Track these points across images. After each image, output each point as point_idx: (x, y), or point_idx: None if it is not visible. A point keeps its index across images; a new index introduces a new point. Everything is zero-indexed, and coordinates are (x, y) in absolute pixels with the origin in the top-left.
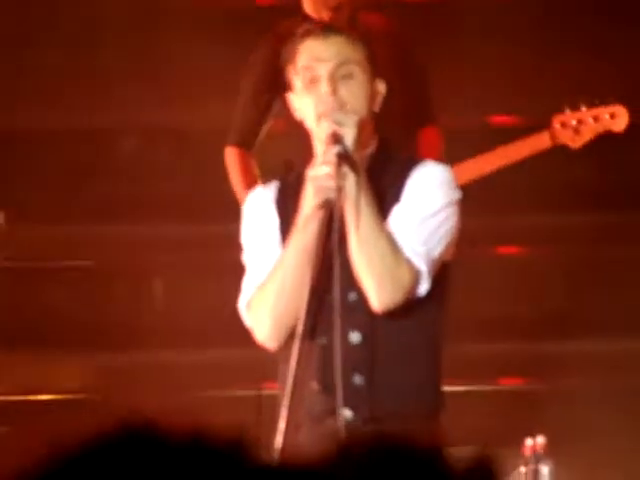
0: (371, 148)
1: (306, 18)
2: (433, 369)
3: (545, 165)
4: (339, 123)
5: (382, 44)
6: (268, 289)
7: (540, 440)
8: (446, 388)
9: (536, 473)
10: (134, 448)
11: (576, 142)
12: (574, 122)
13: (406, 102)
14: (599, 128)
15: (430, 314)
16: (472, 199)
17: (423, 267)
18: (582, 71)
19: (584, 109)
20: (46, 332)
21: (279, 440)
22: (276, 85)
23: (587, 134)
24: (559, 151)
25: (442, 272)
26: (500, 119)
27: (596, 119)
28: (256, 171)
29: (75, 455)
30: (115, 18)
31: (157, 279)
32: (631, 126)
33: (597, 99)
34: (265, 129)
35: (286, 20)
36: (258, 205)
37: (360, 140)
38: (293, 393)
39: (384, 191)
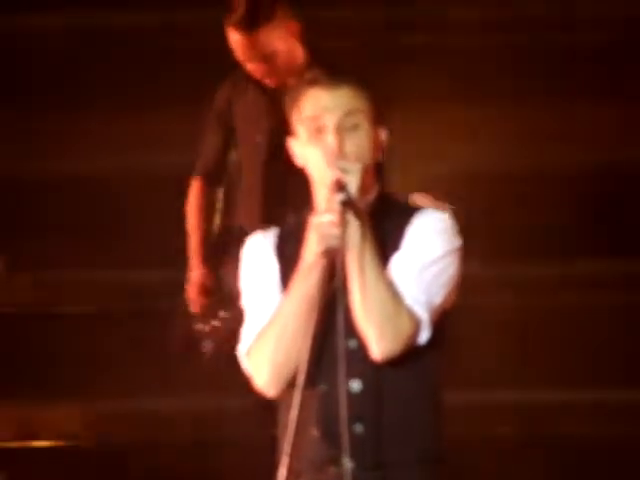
0: (372, 195)
1: None
2: (434, 417)
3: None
4: (344, 171)
5: None
6: (268, 336)
7: None
8: None
9: None
10: None
11: None
12: None
13: None
14: None
15: (430, 362)
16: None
17: (424, 315)
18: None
19: None
20: (45, 378)
21: None
22: (231, 119)
23: None
24: None
25: (442, 320)
26: None
27: None
28: (212, 210)
29: None
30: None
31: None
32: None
33: None
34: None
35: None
36: (257, 251)
37: (363, 187)
38: (294, 440)
39: (385, 238)
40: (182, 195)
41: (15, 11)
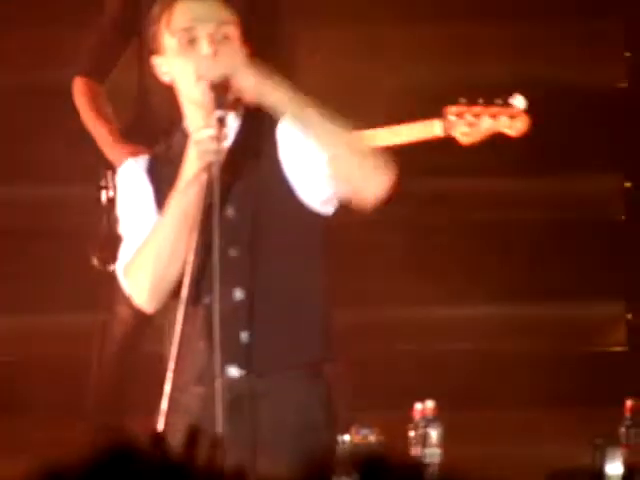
0: (241, 109)
1: None
2: (321, 320)
3: None
4: (218, 82)
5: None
6: (147, 253)
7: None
8: None
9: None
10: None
11: (467, 137)
12: (470, 116)
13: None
14: (495, 127)
15: (314, 264)
16: None
17: None
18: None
19: (482, 105)
20: None
21: (164, 403)
22: (135, 23)
23: (481, 132)
24: None
25: (326, 223)
26: None
27: (494, 117)
28: (107, 102)
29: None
30: None
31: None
32: None
33: (501, 98)
34: (118, 65)
35: None
36: (130, 176)
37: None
38: (179, 355)
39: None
40: None
41: None
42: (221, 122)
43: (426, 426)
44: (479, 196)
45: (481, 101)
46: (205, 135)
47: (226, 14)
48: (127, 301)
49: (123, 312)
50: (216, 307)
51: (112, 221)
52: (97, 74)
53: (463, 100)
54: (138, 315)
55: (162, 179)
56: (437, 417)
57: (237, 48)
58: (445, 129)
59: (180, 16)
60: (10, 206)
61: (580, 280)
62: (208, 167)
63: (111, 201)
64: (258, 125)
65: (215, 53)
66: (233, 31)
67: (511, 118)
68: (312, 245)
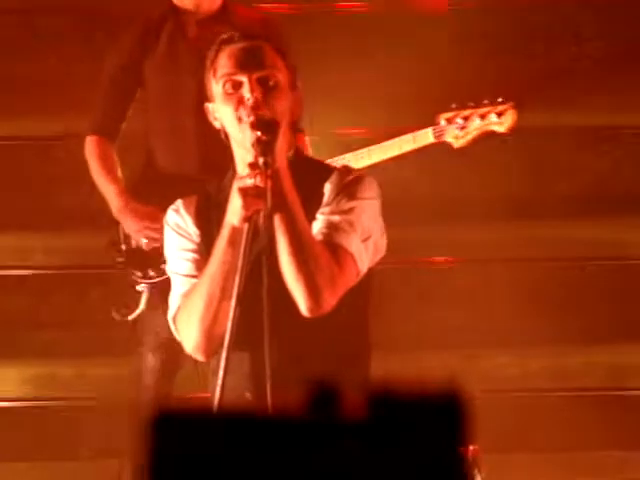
0: (291, 153)
1: (174, 9)
2: (364, 372)
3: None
4: (265, 133)
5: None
6: (196, 301)
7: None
8: None
9: None
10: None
11: (459, 140)
12: (460, 120)
13: None
14: (484, 127)
15: (355, 317)
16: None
17: (357, 259)
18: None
19: (471, 107)
20: None
21: None
22: (139, 75)
23: (471, 133)
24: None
25: (367, 278)
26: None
27: (482, 117)
28: (116, 161)
29: None
30: None
31: None
32: None
33: (488, 98)
34: (127, 118)
35: (153, 10)
36: (178, 217)
37: (282, 146)
38: (220, 404)
39: (307, 196)
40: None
41: None
42: (266, 168)
43: (469, 469)
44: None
45: (471, 104)
46: (248, 184)
47: (271, 60)
48: (154, 349)
49: (151, 360)
50: (266, 358)
51: (129, 273)
52: (107, 131)
53: (454, 105)
54: (167, 363)
55: (211, 220)
56: (479, 459)
57: (281, 94)
58: (436, 136)
59: (224, 62)
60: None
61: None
62: (252, 215)
63: (128, 252)
64: (307, 171)
65: (256, 100)
66: (278, 75)
67: (499, 115)
68: (359, 295)
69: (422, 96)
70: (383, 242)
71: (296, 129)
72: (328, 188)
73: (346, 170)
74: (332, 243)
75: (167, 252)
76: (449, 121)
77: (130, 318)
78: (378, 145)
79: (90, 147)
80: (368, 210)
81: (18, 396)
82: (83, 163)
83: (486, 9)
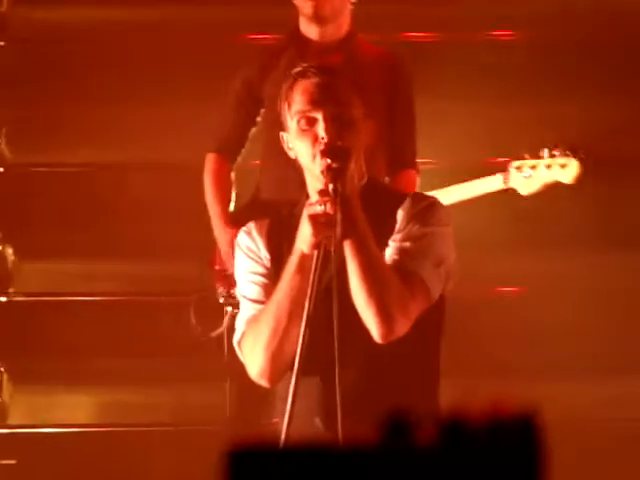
0: (363, 182)
1: (299, 36)
2: (433, 398)
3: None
4: (335, 161)
5: (377, 74)
6: (262, 327)
7: None
8: None
9: None
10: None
11: (526, 188)
12: (528, 168)
13: (395, 140)
14: (550, 177)
15: (427, 344)
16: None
17: (428, 289)
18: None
19: (543, 156)
20: (56, 365)
21: None
22: (260, 96)
23: (537, 182)
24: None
25: (440, 305)
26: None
27: (548, 167)
28: (231, 181)
29: None
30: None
31: None
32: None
33: (559, 146)
34: (248, 139)
35: (278, 36)
36: (250, 242)
37: (354, 175)
38: (288, 430)
39: (378, 223)
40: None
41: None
42: (335, 195)
43: None
44: None
45: (541, 154)
46: (318, 210)
47: (344, 93)
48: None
49: (234, 387)
50: (337, 383)
51: (218, 293)
52: (227, 151)
53: (527, 155)
54: (242, 389)
55: (282, 245)
56: None
57: (354, 126)
58: (505, 181)
59: (299, 98)
60: (120, 280)
61: None
62: (321, 242)
63: (219, 272)
64: (380, 199)
65: (330, 134)
66: (353, 111)
67: (562, 167)
68: (428, 323)
69: (492, 133)
70: (455, 269)
71: (405, 165)
72: (400, 215)
73: (419, 197)
74: (403, 269)
75: (237, 274)
76: (518, 169)
77: (213, 335)
78: (454, 185)
79: (208, 164)
80: (440, 237)
81: (89, 422)
82: (157, 193)
83: None
